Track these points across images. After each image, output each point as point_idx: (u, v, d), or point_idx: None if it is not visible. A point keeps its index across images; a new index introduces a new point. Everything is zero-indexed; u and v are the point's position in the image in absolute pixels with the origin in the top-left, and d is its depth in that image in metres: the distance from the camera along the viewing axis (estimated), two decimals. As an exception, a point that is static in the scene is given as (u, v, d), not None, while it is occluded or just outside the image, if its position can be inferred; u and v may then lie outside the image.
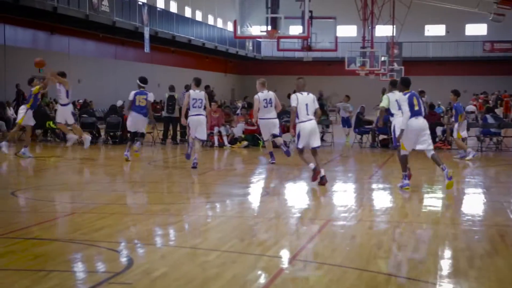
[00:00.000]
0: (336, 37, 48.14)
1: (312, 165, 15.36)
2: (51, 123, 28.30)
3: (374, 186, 16.12)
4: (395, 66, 58.11)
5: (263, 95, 19.57)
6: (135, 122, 19.92)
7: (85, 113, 29.39)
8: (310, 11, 36.56)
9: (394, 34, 58.71)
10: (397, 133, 15.01)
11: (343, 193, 15.24)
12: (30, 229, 10.13)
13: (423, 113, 14.88)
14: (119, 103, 29.16)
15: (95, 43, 46.60)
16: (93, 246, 9.07)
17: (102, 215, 11.46)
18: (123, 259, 8.48)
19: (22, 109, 21.66)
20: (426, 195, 14.76)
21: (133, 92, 19.85)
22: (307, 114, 15.38)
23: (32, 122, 21.77)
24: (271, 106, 19.56)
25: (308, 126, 15.34)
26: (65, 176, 17.76)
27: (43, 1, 36.12)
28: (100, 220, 11.03)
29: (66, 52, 43.46)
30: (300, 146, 15.52)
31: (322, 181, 15.19)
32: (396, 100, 15.67)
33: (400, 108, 15.15)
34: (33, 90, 21.19)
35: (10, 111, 33.75)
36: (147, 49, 44.23)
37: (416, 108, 14.47)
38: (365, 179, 17.32)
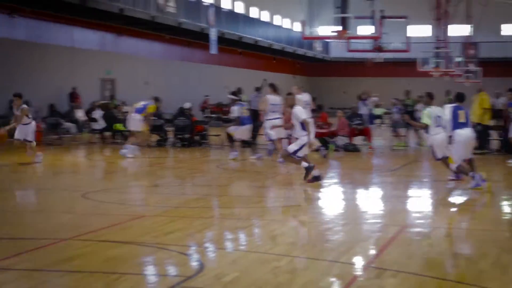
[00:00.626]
0: (408, 37, 47.83)
1: None
2: (119, 125, 28.63)
3: (450, 192, 15.81)
4: (472, 67, 57.05)
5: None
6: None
7: (154, 116, 29.62)
8: (381, 11, 36.38)
9: (470, 34, 57.75)
10: (436, 150, 15.64)
11: (418, 199, 15.01)
12: (101, 232, 10.21)
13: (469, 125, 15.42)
14: (187, 105, 29.22)
15: (161, 44, 46.93)
16: (164, 250, 9.13)
17: (172, 219, 11.53)
18: (194, 263, 8.51)
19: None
20: (505, 202, 14.48)
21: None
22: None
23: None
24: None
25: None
26: (135, 179, 17.93)
27: (110, 3, 36.56)
28: (170, 223, 11.09)
29: (133, 54, 43.89)
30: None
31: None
32: (436, 116, 15.89)
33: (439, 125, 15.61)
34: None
35: (79, 113, 34.21)
36: (213, 50, 44.33)
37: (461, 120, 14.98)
38: (441, 184, 17.06)
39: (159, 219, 11.49)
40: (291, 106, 15.90)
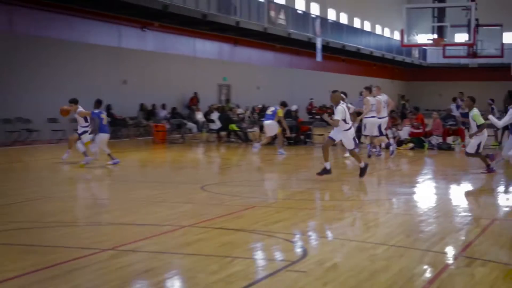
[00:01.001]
0: (502, 44, 46.64)
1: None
2: (233, 126, 28.99)
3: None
4: None
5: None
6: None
7: (263, 117, 29.90)
8: (476, 19, 35.69)
9: None
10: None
11: (509, 194, 14.66)
12: (217, 220, 10.36)
13: None
14: (294, 107, 29.39)
15: (272, 53, 47.10)
16: (271, 237, 9.21)
17: (280, 209, 11.62)
18: (298, 250, 8.57)
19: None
20: None
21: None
22: None
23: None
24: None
25: None
26: (247, 174, 18.15)
27: (227, 16, 37.05)
28: (278, 213, 11.19)
29: (247, 62, 44.20)
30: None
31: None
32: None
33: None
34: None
35: (199, 115, 34.75)
36: (319, 58, 44.28)
37: None
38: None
39: (267, 209, 11.61)
40: (336, 103, 15.24)
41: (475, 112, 16.15)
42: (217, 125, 30.73)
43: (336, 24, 53.93)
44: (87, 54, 30.69)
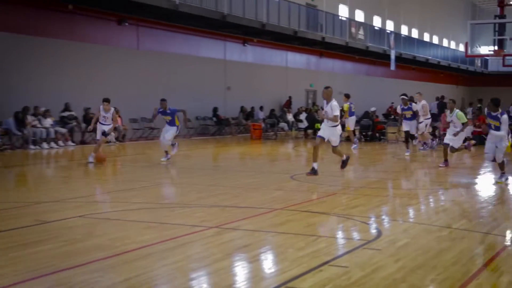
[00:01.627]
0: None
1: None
2: (318, 125, 28.94)
3: None
4: None
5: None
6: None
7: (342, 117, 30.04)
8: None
9: None
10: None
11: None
12: (303, 204, 10.36)
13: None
14: (373, 109, 29.24)
15: (352, 63, 46.78)
16: (350, 219, 9.17)
17: (357, 196, 11.55)
18: (373, 231, 8.51)
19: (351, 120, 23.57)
20: None
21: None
22: None
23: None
24: None
25: None
26: (329, 166, 18.04)
27: (314, 32, 37.10)
28: (355, 199, 11.11)
29: (330, 71, 44.07)
30: None
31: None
32: None
33: None
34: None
35: (290, 116, 34.87)
36: (392, 67, 43.84)
37: None
38: None
39: (347, 196, 11.57)
40: (328, 99, 13.67)
41: (458, 112, 16.18)
42: (304, 124, 30.92)
43: (408, 38, 53.29)
44: (198, 66, 31.18)
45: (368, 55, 46.03)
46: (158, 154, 17.81)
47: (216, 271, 6.33)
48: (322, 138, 13.68)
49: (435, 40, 62.73)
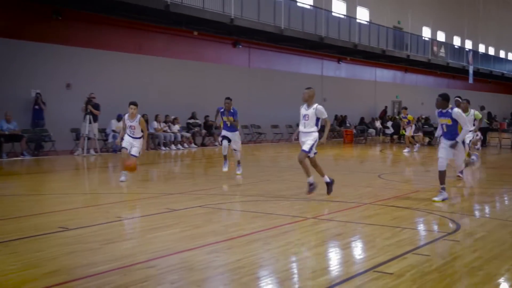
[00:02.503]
0: None
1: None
2: (403, 131, 28.29)
3: None
4: None
5: None
6: None
7: (425, 125, 29.13)
8: None
9: None
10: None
11: None
12: (389, 200, 10.16)
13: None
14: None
15: (433, 77, 45.50)
16: (431, 214, 8.90)
17: (438, 193, 11.20)
18: (452, 225, 8.20)
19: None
20: None
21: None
22: None
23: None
24: None
25: None
26: (413, 166, 17.63)
27: (400, 51, 36.56)
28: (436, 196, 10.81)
29: (414, 84, 43.11)
30: None
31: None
32: None
33: None
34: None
35: (377, 123, 34.30)
36: (471, 80, 42.42)
37: None
38: None
39: (429, 193, 11.19)
40: (310, 101, 10.28)
41: (476, 112, 14.60)
42: (390, 130, 30.28)
43: (485, 55, 51.44)
44: (299, 81, 31.17)
45: (448, 70, 44.81)
46: (266, 155, 17.91)
47: (313, 256, 6.29)
48: (306, 152, 10.15)
49: (510, 56, 60.15)
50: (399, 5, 40.72)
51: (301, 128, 10.37)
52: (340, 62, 34.95)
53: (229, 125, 13.52)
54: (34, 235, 6.93)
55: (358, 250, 6.75)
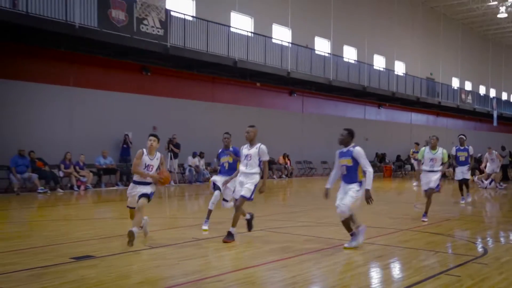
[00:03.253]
0: None
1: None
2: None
3: None
4: None
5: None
6: None
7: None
8: None
9: None
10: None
11: None
12: (424, 227, 9.86)
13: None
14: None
15: (462, 121, 44.39)
16: (461, 240, 8.62)
17: (467, 222, 10.83)
18: (480, 249, 7.90)
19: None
20: None
21: None
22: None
23: None
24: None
25: None
26: (444, 197, 17.05)
27: (432, 98, 35.89)
28: (465, 224, 10.45)
29: (445, 126, 42.12)
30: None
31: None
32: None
33: None
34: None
35: (412, 160, 33.51)
36: (495, 123, 41.18)
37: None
38: None
39: (459, 221, 10.85)
40: (253, 141, 8.25)
41: (444, 150, 11.23)
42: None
43: (507, 102, 49.84)
44: (345, 123, 30.96)
45: (475, 114, 43.65)
46: (317, 186, 17.74)
47: (357, 275, 6.17)
48: (246, 198, 8.13)
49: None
50: (430, 59, 40.23)
51: (241, 168, 8.21)
52: (380, 107, 34.60)
53: (227, 167, 9.30)
54: (126, 252, 7.11)
55: (396, 270, 6.58)
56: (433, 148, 11.22)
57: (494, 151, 20.58)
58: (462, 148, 14.57)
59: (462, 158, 14.46)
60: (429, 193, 10.87)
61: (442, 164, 11.08)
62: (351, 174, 7.69)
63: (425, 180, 11.06)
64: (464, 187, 14.59)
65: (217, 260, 6.78)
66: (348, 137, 7.81)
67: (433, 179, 10.88)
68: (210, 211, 9.22)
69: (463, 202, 14.33)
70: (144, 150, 7.79)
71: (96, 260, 6.56)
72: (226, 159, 9.34)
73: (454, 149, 14.74)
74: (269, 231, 9.17)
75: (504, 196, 18.05)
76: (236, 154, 9.11)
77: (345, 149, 7.78)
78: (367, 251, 7.55)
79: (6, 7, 14.99)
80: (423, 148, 11.53)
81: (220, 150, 9.48)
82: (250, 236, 8.49)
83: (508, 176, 25.56)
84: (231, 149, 9.34)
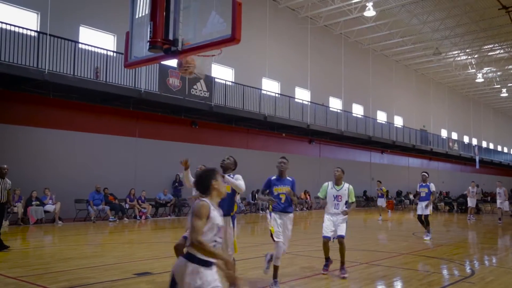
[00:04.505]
0: None
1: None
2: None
3: None
4: None
5: None
6: None
7: (446, 197, 27.29)
8: None
9: None
10: None
11: None
12: (421, 251, 9.52)
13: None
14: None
15: (451, 164, 43.32)
16: (452, 262, 8.22)
17: (457, 247, 10.37)
18: (469, 270, 7.58)
19: None
20: None
21: None
22: None
23: None
24: None
25: None
26: (438, 227, 16.45)
27: (426, 146, 35.06)
28: (456, 249, 9.99)
29: (436, 169, 41.04)
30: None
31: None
32: None
33: None
34: None
35: (411, 196, 32.57)
36: (477, 166, 40.14)
37: None
38: None
39: (449, 247, 10.39)
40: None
41: (350, 187, 7.48)
42: (421, 201, 28.55)
43: (487, 149, 48.48)
44: (354, 167, 30.72)
45: (461, 159, 42.36)
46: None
47: (366, 291, 5.98)
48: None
49: (505, 149, 56.33)
50: (423, 114, 39.76)
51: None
52: (383, 153, 34.08)
53: (283, 200, 6.17)
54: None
55: (398, 288, 6.36)
56: (338, 183, 7.39)
57: (470, 188, 20.04)
58: (424, 184, 12.47)
59: (423, 194, 12.35)
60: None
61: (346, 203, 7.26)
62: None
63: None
64: (424, 222, 12.05)
65: (248, 278, 6.67)
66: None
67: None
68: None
69: (426, 238, 11.71)
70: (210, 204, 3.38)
71: (154, 276, 6.55)
72: (279, 190, 6.15)
73: (418, 185, 12.71)
74: (292, 254, 9.01)
75: (480, 225, 17.32)
76: (293, 186, 6.20)
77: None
78: (374, 271, 7.33)
79: (91, 78, 15.71)
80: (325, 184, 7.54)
81: (273, 177, 6.33)
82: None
83: (480, 209, 24.62)
84: (289, 178, 6.29)
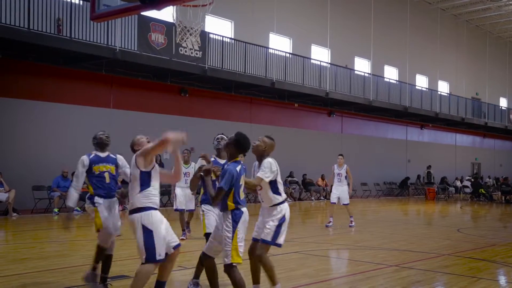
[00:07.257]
0: None
1: None
2: (482, 190, 26.86)
3: None
4: None
5: None
6: None
7: (503, 184, 27.38)
8: None
9: None
10: None
11: None
12: (467, 252, 9.62)
13: None
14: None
15: (510, 142, 43.07)
16: (506, 266, 8.31)
17: (510, 247, 10.49)
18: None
19: None
20: None
21: None
22: None
23: None
24: None
25: None
26: (491, 222, 16.58)
27: (479, 119, 35.00)
28: (511, 250, 10.11)
29: (492, 147, 41.01)
30: None
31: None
32: None
33: None
34: None
35: (458, 182, 32.67)
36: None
37: None
38: None
39: (505, 247, 10.51)
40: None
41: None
42: (470, 189, 28.67)
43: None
44: (386, 145, 30.72)
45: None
46: (356, 209, 17.53)
47: (393, 299, 6.06)
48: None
49: None
50: (476, 79, 39.43)
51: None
52: (423, 128, 34.05)
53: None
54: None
55: (435, 296, 6.44)
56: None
57: None
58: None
59: None
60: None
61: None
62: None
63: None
64: None
65: (250, 282, 6.77)
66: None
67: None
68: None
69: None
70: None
71: (129, 280, 6.66)
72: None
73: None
74: (304, 253, 9.11)
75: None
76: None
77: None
78: (405, 275, 7.41)
79: (51, 33, 15.59)
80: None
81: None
82: (285, 259, 8.46)
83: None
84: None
